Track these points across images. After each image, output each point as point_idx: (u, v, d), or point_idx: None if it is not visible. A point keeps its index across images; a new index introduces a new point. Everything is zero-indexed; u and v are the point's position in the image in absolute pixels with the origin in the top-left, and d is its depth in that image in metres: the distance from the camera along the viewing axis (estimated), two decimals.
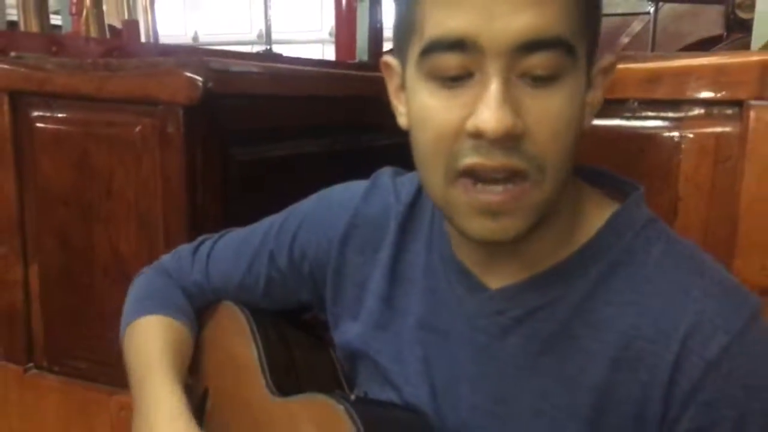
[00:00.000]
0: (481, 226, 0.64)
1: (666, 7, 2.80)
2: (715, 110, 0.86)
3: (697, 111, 0.87)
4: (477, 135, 0.60)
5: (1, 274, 1.33)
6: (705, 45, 2.70)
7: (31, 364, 1.35)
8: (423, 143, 0.65)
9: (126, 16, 1.98)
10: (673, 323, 0.64)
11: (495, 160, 0.61)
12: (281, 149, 1.38)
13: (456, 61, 0.60)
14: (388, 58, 0.72)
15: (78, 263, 1.25)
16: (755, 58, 0.83)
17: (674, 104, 0.88)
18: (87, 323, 1.27)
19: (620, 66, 0.88)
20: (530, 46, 0.59)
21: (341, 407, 0.69)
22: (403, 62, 0.67)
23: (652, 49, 2.71)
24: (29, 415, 1.36)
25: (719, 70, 0.85)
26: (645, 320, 0.65)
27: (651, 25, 2.73)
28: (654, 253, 0.68)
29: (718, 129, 0.87)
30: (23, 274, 1.32)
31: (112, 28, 2.10)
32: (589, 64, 0.65)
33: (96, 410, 1.28)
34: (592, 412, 0.66)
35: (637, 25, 2.83)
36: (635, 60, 0.89)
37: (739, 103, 0.85)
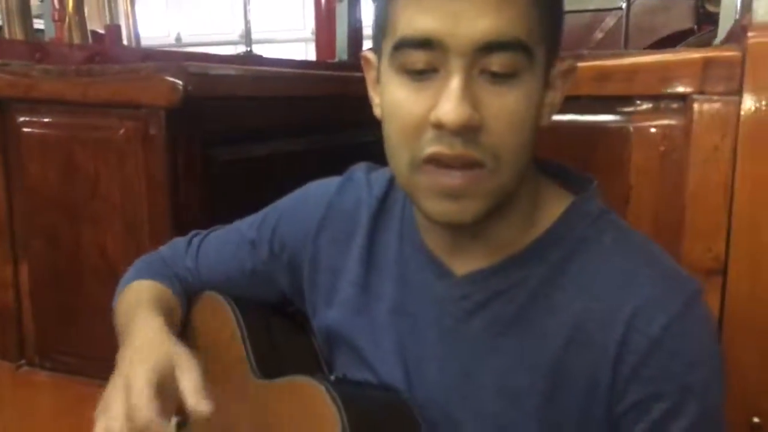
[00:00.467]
0: (441, 208, 0.69)
1: (638, 2, 2.85)
2: (662, 104, 0.92)
3: (645, 106, 0.93)
4: (438, 126, 0.65)
5: None
6: (677, 38, 2.76)
7: (23, 361, 1.39)
8: (392, 131, 0.70)
9: (108, 21, 2.02)
10: (620, 306, 0.69)
11: (455, 149, 0.66)
12: (262, 149, 1.43)
13: (423, 57, 0.66)
14: (367, 53, 0.77)
15: (66, 262, 1.29)
16: (697, 55, 0.89)
17: (624, 100, 0.94)
18: (77, 320, 1.31)
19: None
20: (490, 46, 0.64)
21: (322, 387, 0.74)
22: (379, 57, 0.73)
23: (626, 45, 2.77)
24: (23, 410, 1.40)
25: (664, 67, 0.91)
26: (595, 304, 0.71)
27: (624, 20, 2.79)
28: (605, 242, 0.74)
29: (665, 122, 0.93)
30: (13, 274, 1.36)
31: (94, 33, 2.14)
32: (548, 66, 0.70)
33: (88, 403, 1.29)
34: (548, 388, 0.72)
35: (610, 21, 2.89)
36: (587, 59, 0.94)
37: (683, 98, 0.91)
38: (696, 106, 0.89)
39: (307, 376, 0.78)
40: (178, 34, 9.41)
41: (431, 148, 0.67)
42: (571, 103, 0.96)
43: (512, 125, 0.67)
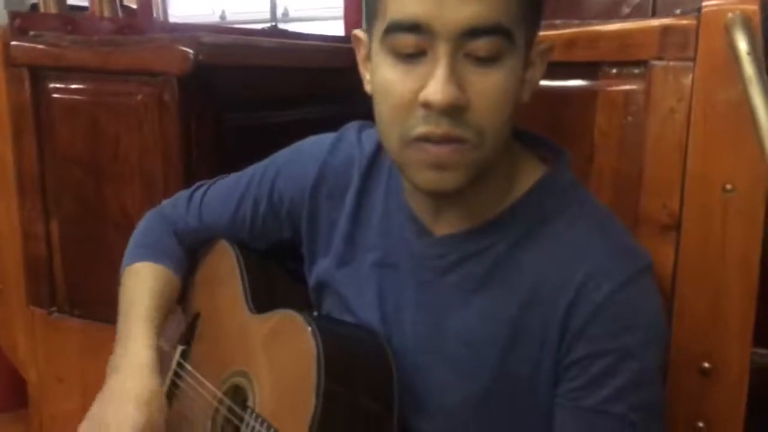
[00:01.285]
0: (428, 177, 0.75)
1: None
2: (624, 70, 0.98)
3: (608, 71, 0.99)
4: (427, 106, 0.71)
5: (26, 228, 1.50)
6: None
7: (54, 308, 1.52)
8: (383, 110, 0.76)
9: None
10: (573, 272, 0.77)
11: (441, 127, 0.71)
12: (275, 116, 1.52)
13: (412, 41, 0.71)
14: (359, 32, 0.83)
15: (91, 218, 1.41)
16: (655, 23, 0.95)
17: (589, 66, 1.00)
18: (101, 271, 1.43)
19: (546, 33, 1.02)
20: (474, 32, 0.69)
21: (302, 319, 0.83)
22: (370, 37, 0.78)
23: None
24: (54, 352, 1.54)
25: (626, 34, 0.97)
26: (551, 269, 0.78)
27: None
28: (568, 214, 0.81)
29: (626, 87, 0.98)
30: (45, 229, 1.49)
31: (128, 8, 2.26)
32: (528, 46, 0.76)
33: (111, 346, 1.45)
34: (507, 341, 0.79)
35: None
36: (557, 27, 1.01)
37: (643, 63, 0.97)
38: (654, 71, 0.95)
39: (292, 310, 0.86)
40: (222, 11, 9.56)
41: (420, 128, 0.72)
42: None
43: (496, 104, 0.72)
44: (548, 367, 0.78)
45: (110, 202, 1.38)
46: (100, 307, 1.44)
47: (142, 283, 1.03)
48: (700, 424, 0.99)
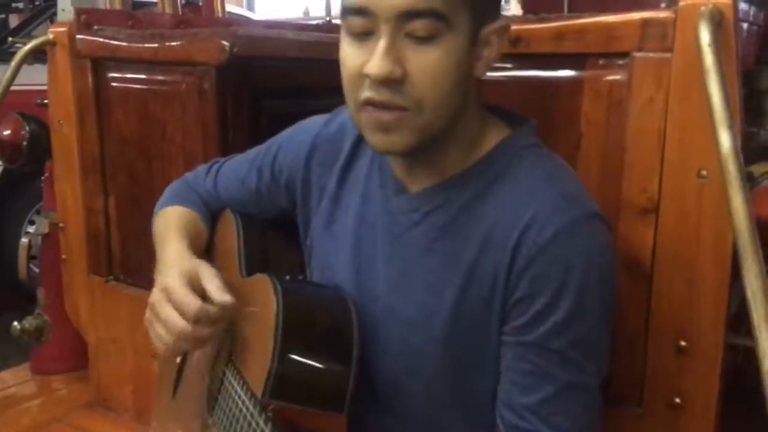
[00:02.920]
0: (377, 139, 0.86)
1: None
2: (609, 61, 1.03)
3: (594, 62, 1.05)
4: (368, 76, 0.82)
5: (87, 204, 1.67)
6: None
7: (110, 277, 1.68)
8: (343, 80, 0.88)
9: None
10: (520, 217, 0.85)
11: (382, 96, 0.82)
12: (308, 104, 1.62)
13: (359, 22, 0.83)
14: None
15: (143, 193, 1.56)
16: (637, 17, 0.99)
17: (576, 57, 1.05)
18: (150, 242, 1.57)
19: (535, 25, 1.09)
20: (409, 14, 0.80)
21: (269, 279, 0.94)
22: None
23: None
24: (110, 318, 1.70)
25: (610, 27, 1.02)
26: (503, 215, 0.87)
27: None
28: (523, 168, 0.89)
29: (611, 77, 1.03)
30: (104, 204, 1.65)
31: (195, 4, 2.43)
32: (476, 27, 0.84)
33: None
34: (463, 282, 0.88)
35: None
36: (547, 21, 1.07)
37: (626, 54, 1.02)
38: (636, 62, 1.00)
39: (265, 274, 0.97)
40: (306, 8, 9.81)
41: (365, 93, 0.84)
42: (534, 60, 1.11)
43: (432, 78, 0.82)
44: (497, 307, 0.86)
45: (157, 180, 1.53)
46: (149, 275, 1.58)
47: (170, 219, 1.16)
48: (677, 400, 1.04)
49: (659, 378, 1.05)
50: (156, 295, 0.97)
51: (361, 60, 0.83)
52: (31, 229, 3.84)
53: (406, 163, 0.94)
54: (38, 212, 3.82)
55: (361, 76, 0.83)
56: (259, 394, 0.86)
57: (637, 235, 1.03)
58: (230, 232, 1.14)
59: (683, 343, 1.02)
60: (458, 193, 0.91)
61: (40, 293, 1.96)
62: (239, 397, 0.92)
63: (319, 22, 2.32)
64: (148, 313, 0.98)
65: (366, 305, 0.95)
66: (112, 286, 1.68)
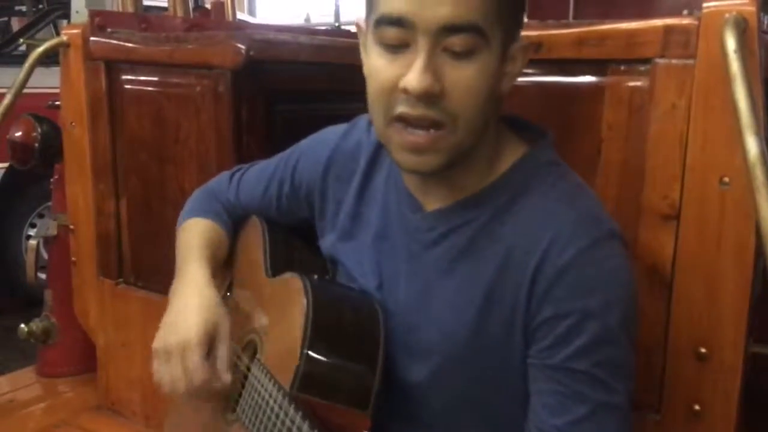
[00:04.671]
0: (407, 160, 0.86)
1: None
2: (630, 67, 1.04)
3: (615, 68, 1.05)
4: (405, 91, 0.81)
5: (98, 206, 1.67)
6: None
7: (121, 280, 1.68)
8: (371, 92, 0.86)
9: None
10: (539, 238, 0.84)
11: (418, 110, 0.81)
12: (322, 109, 1.62)
13: (396, 34, 0.81)
14: (359, 21, 0.92)
15: (154, 197, 1.56)
16: (659, 23, 1.00)
17: (597, 63, 1.06)
18: (161, 246, 1.56)
19: (556, 31, 1.09)
20: (449, 29, 0.79)
21: (299, 277, 0.94)
22: (366, 27, 0.88)
23: None
24: (120, 320, 1.70)
25: (632, 33, 1.02)
26: (523, 236, 0.86)
27: None
28: (542, 188, 0.89)
29: (632, 83, 1.03)
30: (115, 207, 1.65)
31: (204, 8, 2.43)
32: (506, 43, 0.84)
33: None
34: (483, 302, 0.88)
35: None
36: (567, 27, 1.07)
37: (648, 61, 1.02)
38: (658, 68, 1.01)
39: (294, 272, 0.97)
40: (307, 14, 9.86)
41: (400, 108, 0.82)
42: (555, 66, 1.11)
43: (468, 93, 0.82)
44: (519, 329, 0.85)
45: (170, 183, 1.53)
46: (160, 279, 1.58)
47: (194, 233, 1.17)
48: (697, 407, 1.04)
49: (678, 385, 1.05)
50: (173, 346, 0.98)
51: (395, 73, 0.82)
52: (32, 231, 3.84)
53: (423, 181, 0.93)
54: (40, 215, 3.84)
55: (394, 90, 0.82)
56: (287, 388, 0.86)
57: (658, 241, 1.03)
58: (256, 236, 1.15)
59: (703, 350, 1.02)
60: (476, 213, 0.90)
61: (48, 295, 1.95)
62: (266, 390, 0.92)
63: (329, 26, 2.32)
64: (161, 352, 1.00)
65: (388, 321, 0.94)
66: (123, 289, 1.68)
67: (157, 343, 1.00)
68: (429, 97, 0.80)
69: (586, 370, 0.81)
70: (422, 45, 0.80)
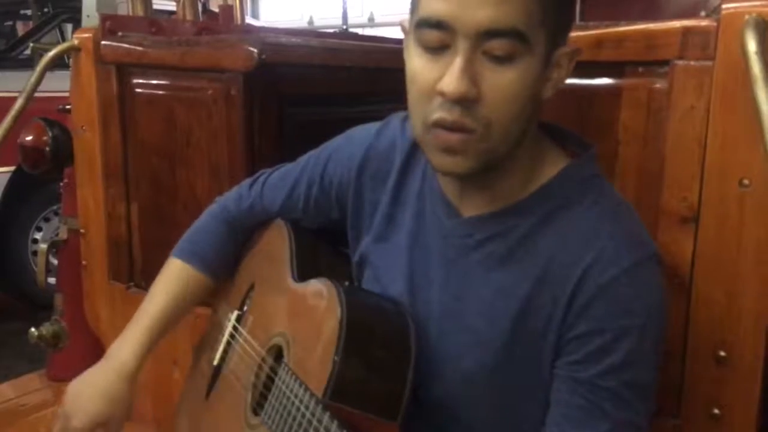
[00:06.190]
0: (441, 160, 0.84)
1: None
2: (648, 69, 1.03)
3: (633, 70, 1.04)
4: (442, 94, 0.79)
5: (109, 210, 1.67)
6: None
7: (131, 283, 1.67)
8: (410, 95, 0.85)
9: (222, 2, 2.31)
10: (582, 254, 0.83)
11: (453, 115, 0.79)
12: (335, 112, 1.62)
13: (436, 36, 0.79)
14: (404, 22, 0.90)
15: (166, 201, 1.56)
16: (678, 24, 0.99)
17: (615, 65, 1.05)
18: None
19: (573, 33, 1.08)
20: (490, 33, 0.77)
21: (331, 284, 0.93)
22: (409, 28, 0.86)
23: None
24: None
25: (650, 35, 1.02)
26: (563, 251, 0.85)
27: None
28: (585, 202, 0.87)
29: (650, 85, 1.03)
30: (126, 211, 1.65)
31: (212, 12, 2.42)
32: (550, 48, 0.82)
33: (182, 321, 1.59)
34: (518, 313, 0.87)
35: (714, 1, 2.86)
36: (585, 28, 1.07)
37: (666, 62, 1.01)
38: (676, 70, 1.00)
39: (326, 278, 0.96)
40: (311, 17, 9.86)
41: (437, 114, 0.81)
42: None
43: (506, 100, 0.80)
44: (552, 340, 0.85)
45: (181, 186, 1.52)
46: None
47: (160, 287, 1.21)
48: (716, 411, 1.03)
49: (698, 388, 1.04)
50: (63, 414, 1.09)
51: (434, 75, 0.80)
52: (38, 235, 3.84)
53: (460, 186, 0.92)
54: (46, 219, 3.84)
55: (432, 93, 0.81)
56: (319, 395, 0.85)
57: (677, 243, 1.03)
58: (281, 240, 1.13)
59: (722, 354, 1.01)
60: (516, 222, 0.89)
61: (58, 299, 1.95)
62: (296, 396, 0.91)
63: (337, 29, 2.32)
64: (60, 412, 1.10)
65: (418, 326, 0.93)
66: (133, 293, 1.67)
67: (65, 398, 1.10)
68: (465, 102, 0.79)
69: (613, 388, 0.81)
70: (461, 48, 0.78)
